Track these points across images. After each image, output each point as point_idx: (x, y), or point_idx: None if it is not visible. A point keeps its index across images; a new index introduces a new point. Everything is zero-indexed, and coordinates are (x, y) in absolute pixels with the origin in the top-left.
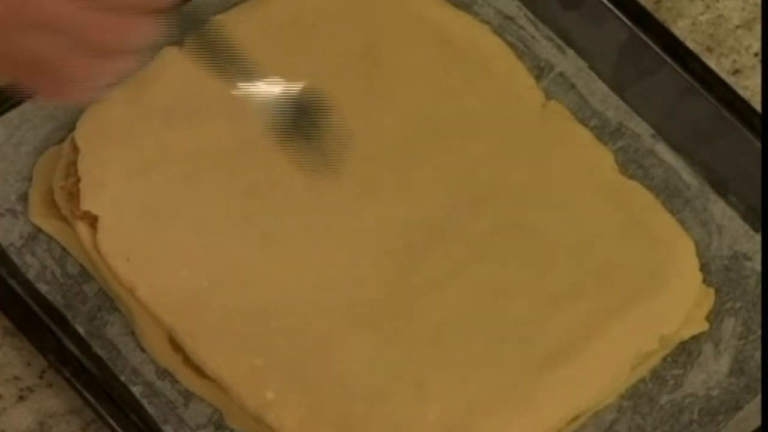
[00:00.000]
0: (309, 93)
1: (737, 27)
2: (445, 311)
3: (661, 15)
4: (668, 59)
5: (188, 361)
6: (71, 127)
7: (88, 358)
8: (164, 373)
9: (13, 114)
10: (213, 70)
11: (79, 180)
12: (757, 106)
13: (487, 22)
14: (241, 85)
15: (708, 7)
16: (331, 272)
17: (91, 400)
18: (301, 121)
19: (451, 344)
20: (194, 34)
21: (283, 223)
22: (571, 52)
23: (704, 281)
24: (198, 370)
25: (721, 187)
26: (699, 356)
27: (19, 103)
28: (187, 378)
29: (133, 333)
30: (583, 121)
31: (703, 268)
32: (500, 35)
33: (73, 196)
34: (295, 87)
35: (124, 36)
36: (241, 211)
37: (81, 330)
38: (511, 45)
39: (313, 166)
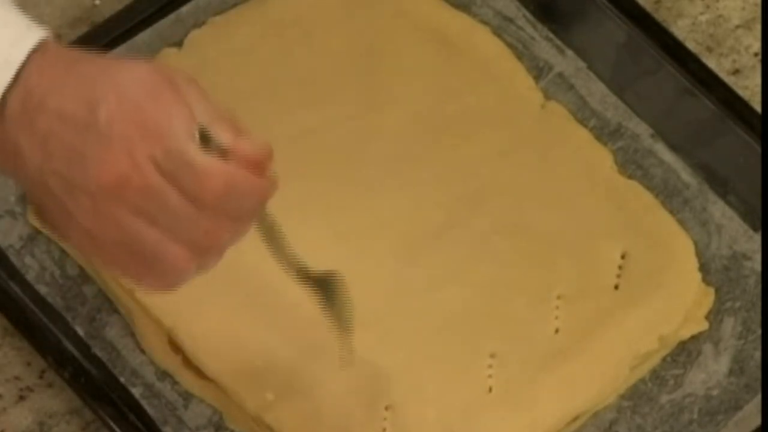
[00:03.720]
0: (330, 276)
1: (737, 27)
2: (444, 311)
3: (661, 15)
4: (667, 59)
5: (188, 362)
6: None
7: (87, 359)
8: (164, 375)
9: None
10: (270, 250)
11: None
12: (757, 106)
13: (486, 23)
14: (283, 266)
15: (708, 7)
16: None
17: (91, 401)
18: (325, 297)
19: (450, 344)
20: (263, 228)
21: (283, 224)
22: (570, 52)
23: (704, 281)
24: (198, 372)
25: (720, 187)
26: (699, 356)
27: None
28: (186, 379)
29: (132, 334)
30: (582, 122)
31: (703, 267)
32: (499, 36)
33: None
34: (321, 272)
35: (220, 238)
36: None
37: (80, 331)
38: (510, 46)
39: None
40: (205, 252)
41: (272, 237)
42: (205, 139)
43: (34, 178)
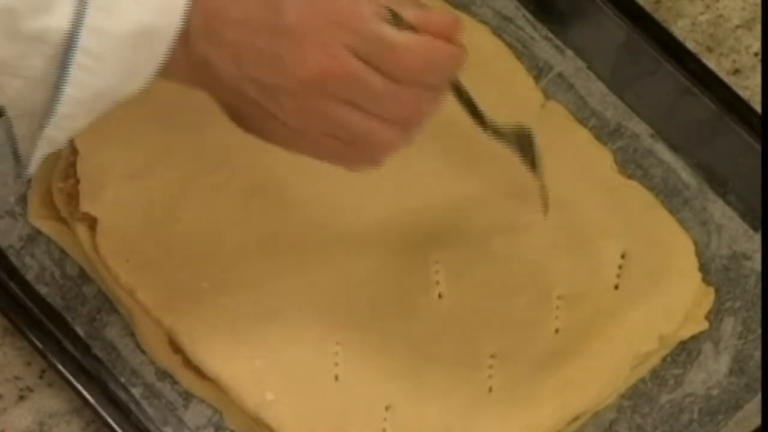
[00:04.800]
0: (519, 129)
1: (737, 27)
2: (444, 311)
3: (661, 15)
4: (667, 59)
5: (188, 362)
6: None
7: (87, 359)
8: (164, 375)
9: None
10: (466, 111)
11: (78, 181)
12: (757, 106)
13: (486, 23)
14: (479, 126)
15: (708, 7)
16: (330, 273)
17: (91, 401)
18: (517, 146)
19: (450, 344)
20: (455, 92)
21: (283, 224)
22: (569, 52)
23: (704, 281)
24: (198, 371)
25: (720, 187)
26: (699, 356)
27: None
28: (186, 379)
29: (132, 334)
30: (582, 121)
31: (703, 267)
32: (499, 36)
33: (72, 197)
34: (512, 127)
35: (423, 110)
36: (240, 211)
37: (80, 331)
38: (509, 45)
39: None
40: (411, 124)
41: (464, 99)
42: (394, 19)
43: (230, 89)
